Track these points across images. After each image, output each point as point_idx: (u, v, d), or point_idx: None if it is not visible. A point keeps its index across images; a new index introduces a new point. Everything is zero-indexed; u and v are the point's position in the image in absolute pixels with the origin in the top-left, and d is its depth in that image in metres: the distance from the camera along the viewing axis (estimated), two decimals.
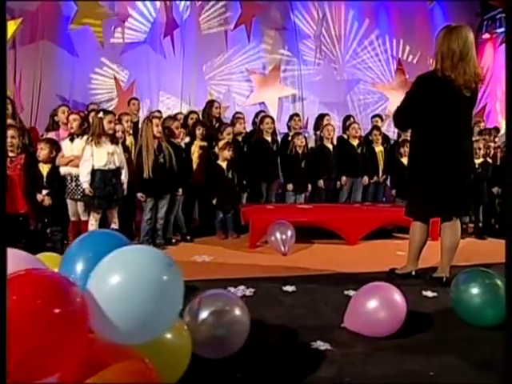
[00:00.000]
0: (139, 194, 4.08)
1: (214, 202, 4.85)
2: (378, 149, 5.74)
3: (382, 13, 8.43)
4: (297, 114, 6.09)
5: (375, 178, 5.66)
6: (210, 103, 6.09)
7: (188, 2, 7.79)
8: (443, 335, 2.53)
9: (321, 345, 2.36)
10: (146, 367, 1.48)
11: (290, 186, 5.40)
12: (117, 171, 4.06)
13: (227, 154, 4.84)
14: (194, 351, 1.90)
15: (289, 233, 4.25)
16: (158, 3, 7.56)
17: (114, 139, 4.04)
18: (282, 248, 4.18)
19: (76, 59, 7.26)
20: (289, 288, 3.27)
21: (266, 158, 5.31)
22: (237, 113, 6.19)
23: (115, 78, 7.34)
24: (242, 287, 3.26)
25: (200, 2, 7.85)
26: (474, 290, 2.54)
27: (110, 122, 3.94)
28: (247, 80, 7.98)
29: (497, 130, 5.89)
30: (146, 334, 1.57)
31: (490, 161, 5.18)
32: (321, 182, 5.48)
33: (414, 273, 3.50)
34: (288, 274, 3.63)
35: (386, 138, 6.09)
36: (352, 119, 6.14)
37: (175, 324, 1.78)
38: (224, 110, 7.18)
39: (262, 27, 8.04)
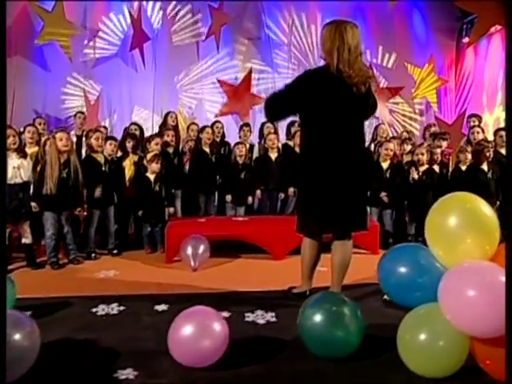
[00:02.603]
0: (33, 204, 4.03)
1: (140, 214, 4.74)
2: None
3: (359, 18, 8.17)
4: (247, 124, 5.93)
5: None
6: (166, 114, 6.07)
7: (160, 14, 7.84)
8: (277, 368, 2.26)
9: (127, 373, 2.20)
10: None
11: (228, 198, 5.23)
12: (24, 185, 4.04)
13: (155, 166, 4.74)
14: None
15: (201, 248, 4.09)
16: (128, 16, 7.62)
17: (20, 153, 4.03)
18: (192, 263, 4.02)
19: (48, 74, 7.42)
20: (160, 307, 3.11)
21: (203, 170, 5.16)
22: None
23: (84, 92, 7.42)
24: (114, 305, 3.14)
25: (172, 14, 7.87)
26: (318, 318, 2.25)
27: (11, 136, 3.92)
28: (219, 91, 7.90)
29: (447, 133, 5.51)
30: None
31: (436, 168, 4.82)
32: (258, 194, 5.25)
33: (308, 292, 3.20)
34: (178, 291, 3.49)
35: None
36: (297, 125, 5.91)
37: None
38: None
39: (234, 37, 7.97)
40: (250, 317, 2.92)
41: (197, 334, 2.16)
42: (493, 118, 7.34)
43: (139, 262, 4.40)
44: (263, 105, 3.10)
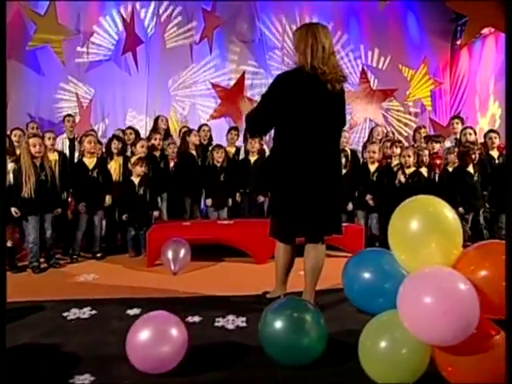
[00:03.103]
0: (13, 209, 4.01)
1: (125, 218, 4.72)
2: None
3: (353, 19, 8.14)
4: (235, 128, 5.89)
5: None
6: (157, 118, 6.07)
7: (153, 18, 7.84)
8: (236, 374, 2.22)
9: (84, 378, 2.16)
10: None
11: (208, 201, 5.19)
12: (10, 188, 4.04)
13: (140, 169, 4.72)
14: None
15: (182, 251, 4.05)
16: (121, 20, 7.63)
17: (12, 156, 4.04)
18: (172, 267, 3.99)
19: (42, 78, 7.45)
20: (133, 311, 3.08)
21: (189, 173, 5.13)
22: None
23: (77, 96, 7.43)
24: (86, 309, 3.12)
25: (165, 18, 7.88)
26: (278, 324, 2.20)
27: None
28: (212, 94, 7.88)
29: (439, 137, 5.44)
30: None
31: (424, 170, 4.76)
32: (237, 197, 5.21)
33: (281, 297, 3.16)
34: (155, 295, 3.45)
35: None
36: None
37: None
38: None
39: (228, 40, 7.95)
40: (220, 322, 2.88)
41: (153, 340, 2.13)
42: (486, 121, 7.26)
43: (121, 265, 4.38)
44: (245, 121, 3.05)
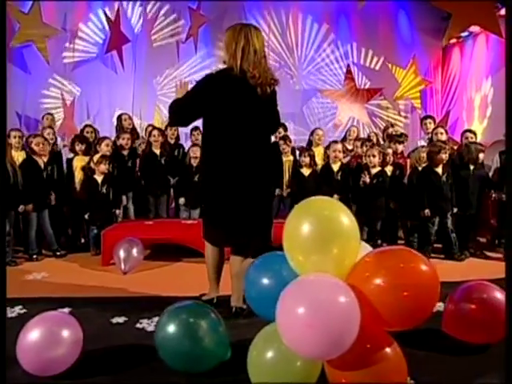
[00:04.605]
0: None
1: (87, 216, 4.70)
2: (285, 159, 5.29)
3: (342, 18, 7.99)
4: (196, 128, 5.74)
5: (277, 191, 5.17)
6: (119, 116, 6.04)
7: (140, 17, 7.84)
8: (127, 379, 2.15)
9: None
10: None
11: (181, 200, 5.13)
12: None
13: (103, 167, 4.69)
14: None
15: (134, 251, 4.01)
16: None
17: None
18: (122, 266, 3.94)
19: (28, 76, 7.51)
20: (63, 311, 3.02)
21: (152, 172, 5.08)
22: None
23: (61, 94, 7.47)
24: (17, 307, 3.10)
25: (151, 16, 7.86)
26: (171, 329, 2.10)
27: None
28: None
29: (404, 135, 5.29)
30: None
31: (387, 170, 4.61)
32: None
33: (215, 300, 3.06)
34: (95, 294, 3.42)
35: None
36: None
37: None
38: None
39: (214, 38, 7.88)
40: (142, 323, 2.82)
41: (43, 341, 2.07)
42: (476, 120, 7.05)
43: (77, 264, 4.36)
44: (168, 109, 2.96)
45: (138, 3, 7.76)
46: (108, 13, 7.48)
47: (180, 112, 2.86)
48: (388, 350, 1.83)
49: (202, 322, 2.13)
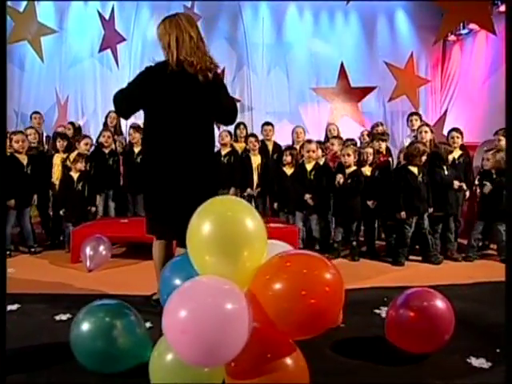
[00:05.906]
0: None
1: (62, 213, 4.73)
2: (255, 158, 5.21)
3: (339, 16, 7.86)
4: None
5: (248, 191, 5.10)
6: (107, 114, 6.06)
7: (135, 15, 7.87)
8: (40, 379, 2.12)
9: None
10: None
11: None
12: None
13: (80, 165, 4.71)
14: None
15: (100, 248, 4.01)
16: (106, 17, 7.67)
17: None
18: (88, 263, 3.95)
19: (24, 74, 7.63)
20: (10, 307, 3.04)
21: (129, 170, 5.09)
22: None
23: (56, 92, 7.55)
24: None
25: (148, 14, 7.89)
26: (85, 326, 2.07)
27: None
28: None
29: (384, 134, 5.15)
30: None
31: (366, 170, 4.49)
32: None
33: None
34: (50, 291, 3.42)
35: None
36: (242, 126, 5.73)
37: None
38: None
39: (210, 36, 7.85)
40: None
41: None
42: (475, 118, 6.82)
43: (47, 261, 4.39)
44: (112, 100, 2.95)
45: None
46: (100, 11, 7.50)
47: (120, 104, 2.86)
48: (287, 358, 1.75)
49: (118, 321, 2.09)
